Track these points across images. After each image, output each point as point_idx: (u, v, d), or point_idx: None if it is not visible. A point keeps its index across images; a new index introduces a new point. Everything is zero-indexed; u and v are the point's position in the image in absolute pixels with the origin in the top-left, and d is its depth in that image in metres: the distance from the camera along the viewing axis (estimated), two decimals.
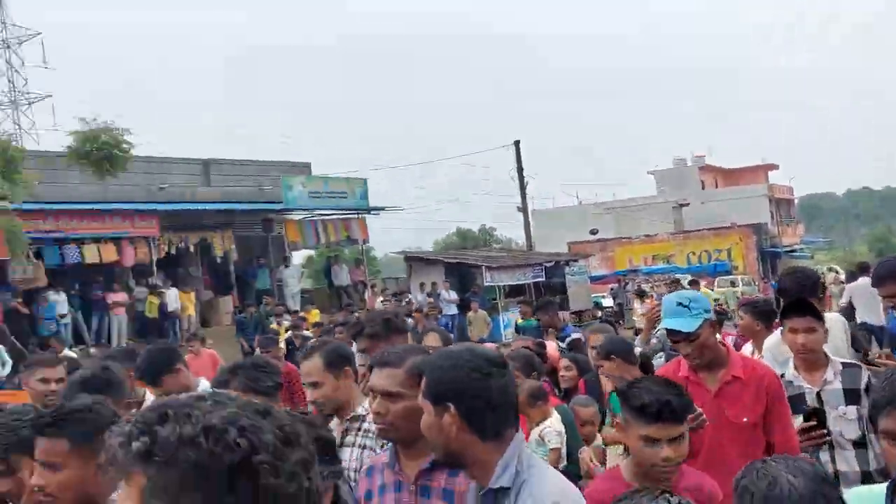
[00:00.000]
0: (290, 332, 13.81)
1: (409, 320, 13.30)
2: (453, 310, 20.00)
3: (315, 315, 17.37)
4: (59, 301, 15.91)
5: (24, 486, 2.41)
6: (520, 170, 29.31)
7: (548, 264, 24.05)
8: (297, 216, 22.37)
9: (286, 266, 21.57)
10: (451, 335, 5.89)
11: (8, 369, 12.30)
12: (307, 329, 14.19)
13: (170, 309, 17.53)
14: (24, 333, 14.20)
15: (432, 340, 4.36)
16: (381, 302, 18.83)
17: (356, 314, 13.23)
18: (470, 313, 18.64)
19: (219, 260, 20.57)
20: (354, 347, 3.70)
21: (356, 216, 23.04)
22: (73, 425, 2.31)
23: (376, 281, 25.23)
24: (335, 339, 9.39)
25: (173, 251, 19.27)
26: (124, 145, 14.04)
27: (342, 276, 22.60)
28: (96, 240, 17.22)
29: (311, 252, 31.29)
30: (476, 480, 2.07)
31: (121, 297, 17.14)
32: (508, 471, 1.97)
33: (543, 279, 23.33)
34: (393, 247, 30.48)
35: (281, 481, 1.03)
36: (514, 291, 22.86)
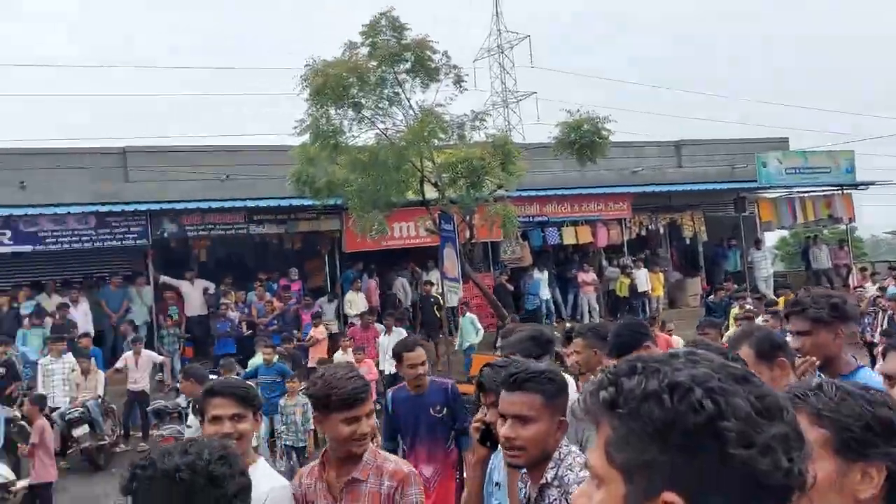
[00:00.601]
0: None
1: None
2: None
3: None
4: (542, 279, 17.60)
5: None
6: None
7: None
8: (771, 194, 21.12)
9: (757, 248, 20.54)
10: None
11: (480, 337, 14.13)
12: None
13: (640, 289, 18.03)
14: (508, 307, 15.95)
15: None
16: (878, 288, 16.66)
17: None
18: None
19: (687, 241, 20.49)
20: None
21: (840, 192, 20.84)
22: (547, 383, 2.44)
23: (865, 264, 22.45)
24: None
25: (643, 232, 19.79)
26: (604, 132, 14.81)
27: (822, 259, 20.69)
28: (574, 223, 18.61)
29: (785, 232, 29.24)
30: None
31: (590, 276, 18.19)
32: None
33: None
34: (882, 227, 26.80)
35: (752, 453, 0.95)
36: None
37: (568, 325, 14.84)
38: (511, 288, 17.21)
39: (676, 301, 19.79)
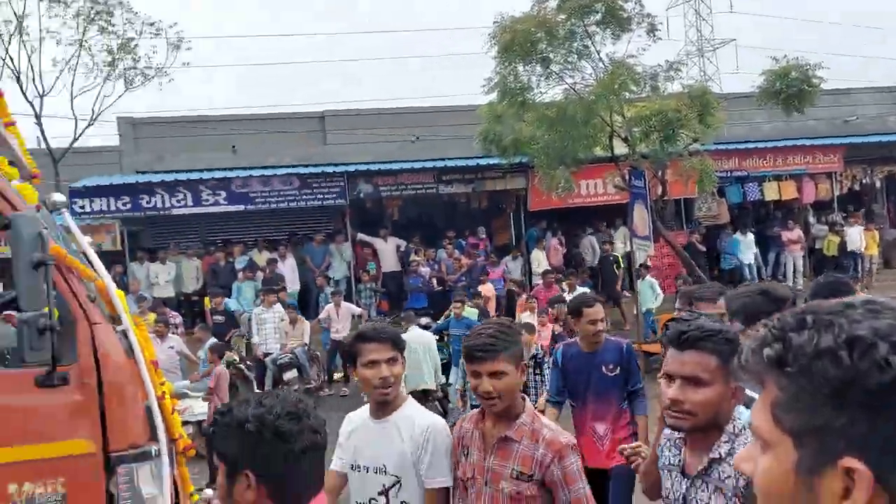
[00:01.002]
0: None
1: None
2: None
3: None
4: (743, 241, 16.49)
5: None
6: None
7: None
8: None
9: None
10: None
11: (659, 301, 13.55)
12: None
13: (850, 248, 16.65)
14: (701, 267, 15.13)
15: None
16: None
17: None
18: None
19: None
20: None
21: None
22: (724, 344, 2.22)
23: None
24: None
25: (856, 186, 18.16)
26: (815, 80, 13.67)
27: None
28: (777, 177, 17.38)
29: None
30: None
31: (795, 234, 16.96)
32: None
33: None
34: None
35: None
36: None
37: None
38: (703, 249, 16.40)
39: (892, 261, 18.07)
